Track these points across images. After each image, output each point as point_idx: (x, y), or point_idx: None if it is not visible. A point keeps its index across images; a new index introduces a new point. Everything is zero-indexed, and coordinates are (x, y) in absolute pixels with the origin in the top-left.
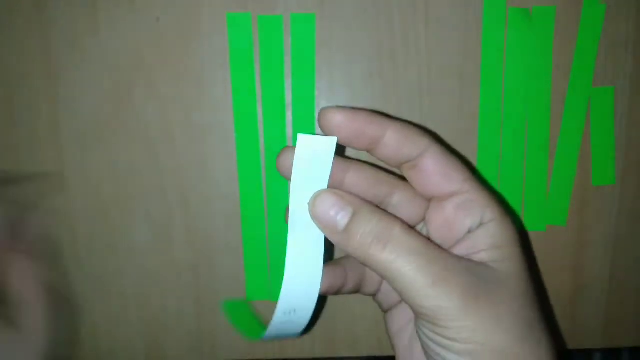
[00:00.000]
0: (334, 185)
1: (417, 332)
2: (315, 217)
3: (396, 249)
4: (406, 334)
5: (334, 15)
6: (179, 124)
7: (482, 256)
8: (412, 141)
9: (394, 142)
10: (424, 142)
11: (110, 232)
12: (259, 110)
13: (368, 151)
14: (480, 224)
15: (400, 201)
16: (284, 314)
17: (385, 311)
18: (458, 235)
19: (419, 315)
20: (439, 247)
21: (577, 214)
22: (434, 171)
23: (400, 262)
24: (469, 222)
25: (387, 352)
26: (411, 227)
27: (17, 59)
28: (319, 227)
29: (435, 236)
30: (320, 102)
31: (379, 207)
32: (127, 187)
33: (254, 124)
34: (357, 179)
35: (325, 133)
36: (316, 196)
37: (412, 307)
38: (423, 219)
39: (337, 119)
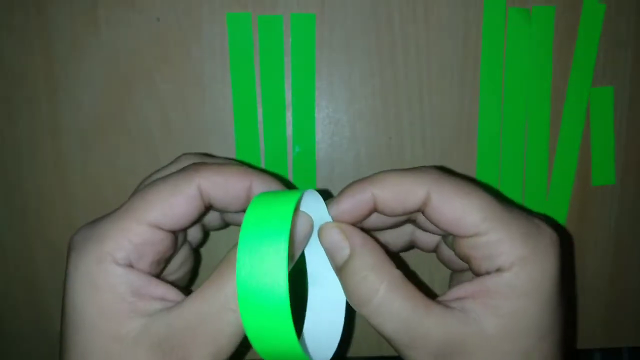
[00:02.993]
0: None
1: None
2: (326, 248)
3: (377, 310)
4: None
5: (334, 15)
6: (178, 123)
7: (487, 305)
8: (408, 196)
9: (390, 204)
10: (422, 191)
11: None
12: (259, 110)
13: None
14: (497, 270)
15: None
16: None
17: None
18: (475, 271)
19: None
20: (426, 304)
21: (577, 214)
22: (443, 220)
23: (380, 320)
24: (484, 266)
25: (387, 352)
26: (404, 279)
27: (17, 59)
28: (328, 256)
29: (453, 261)
30: (320, 102)
31: (381, 245)
32: (127, 187)
33: (254, 124)
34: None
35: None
36: (322, 228)
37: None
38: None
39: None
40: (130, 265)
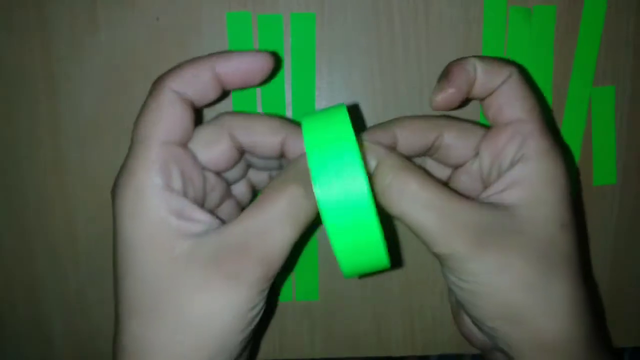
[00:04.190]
0: (388, 142)
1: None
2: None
3: (410, 202)
4: None
5: (334, 15)
6: None
7: (512, 195)
8: (498, 69)
9: (482, 76)
10: (508, 69)
11: (110, 232)
12: (259, 109)
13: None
14: (522, 157)
15: (451, 140)
16: None
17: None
18: (503, 168)
19: (436, 257)
20: (458, 196)
21: (578, 214)
22: (504, 99)
23: (414, 214)
24: (512, 153)
25: (388, 353)
26: (433, 179)
27: (17, 59)
28: None
29: (485, 171)
30: (321, 102)
31: (409, 159)
32: None
33: None
34: (406, 131)
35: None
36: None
37: (430, 251)
38: (476, 154)
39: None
40: (168, 188)
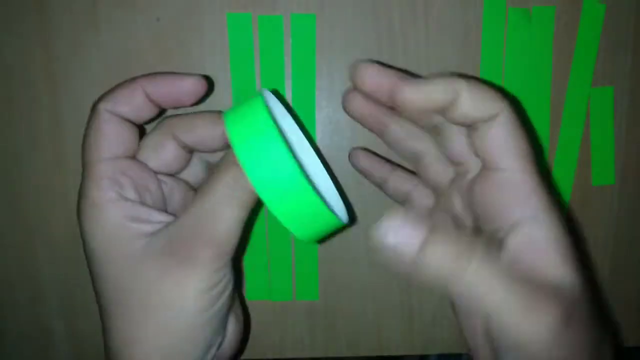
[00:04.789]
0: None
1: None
2: (381, 246)
3: (482, 270)
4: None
5: (334, 15)
6: None
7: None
8: (487, 103)
9: (470, 103)
10: (498, 106)
11: None
12: None
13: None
14: (521, 221)
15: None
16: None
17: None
18: (499, 222)
19: (506, 348)
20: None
21: (576, 213)
22: (497, 142)
23: (486, 285)
24: (508, 213)
25: (387, 353)
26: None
27: (17, 59)
28: (386, 257)
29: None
30: (321, 103)
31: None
32: None
33: None
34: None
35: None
36: (383, 221)
37: (498, 339)
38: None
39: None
40: (121, 198)
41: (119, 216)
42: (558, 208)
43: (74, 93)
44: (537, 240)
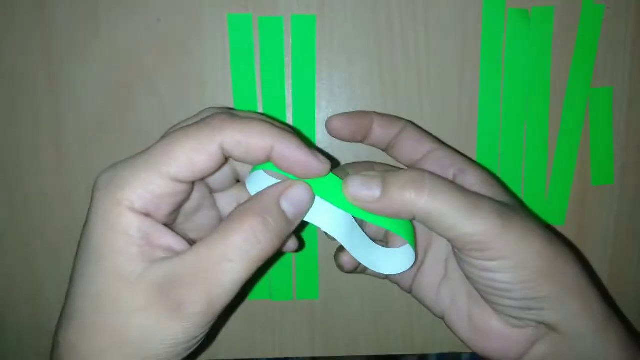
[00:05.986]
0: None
1: (461, 268)
2: (352, 198)
3: (433, 191)
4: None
5: (334, 16)
6: None
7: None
8: (392, 123)
9: (380, 128)
10: (401, 122)
11: None
12: (260, 110)
13: (362, 141)
14: (460, 171)
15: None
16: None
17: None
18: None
19: (462, 247)
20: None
21: (576, 214)
22: (410, 141)
23: (440, 201)
24: (450, 172)
25: (387, 352)
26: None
27: (18, 59)
28: (360, 207)
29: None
30: (321, 103)
31: None
32: None
33: None
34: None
35: (333, 136)
36: (346, 182)
37: (455, 241)
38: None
39: (335, 123)
40: (147, 214)
41: (136, 231)
42: (477, 166)
43: (74, 93)
44: (472, 181)
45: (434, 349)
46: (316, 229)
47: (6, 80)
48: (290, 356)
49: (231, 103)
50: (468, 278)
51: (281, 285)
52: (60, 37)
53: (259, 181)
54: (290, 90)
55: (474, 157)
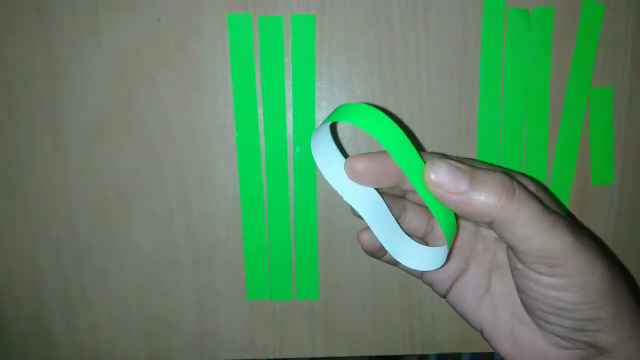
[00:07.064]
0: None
1: (518, 284)
2: (434, 184)
3: (521, 200)
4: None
5: (334, 16)
6: (179, 124)
7: None
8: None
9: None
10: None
11: (110, 232)
12: (260, 110)
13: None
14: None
15: (410, 217)
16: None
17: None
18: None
19: (532, 260)
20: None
21: (576, 213)
22: None
23: (525, 211)
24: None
25: (387, 352)
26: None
27: (18, 59)
28: (437, 194)
29: None
30: (321, 103)
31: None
32: (127, 187)
33: (254, 124)
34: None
35: (354, 180)
36: (432, 165)
37: (526, 253)
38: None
39: (359, 165)
40: None
41: None
42: (525, 175)
43: (75, 93)
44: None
45: (434, 349)
46: (316, 229)
47: (7, 80)
48: (290, 356)
49: (231, 103)
50: (524, 294)
51: (281, 285)
52: (61, 37)
53: (325, 149)
54: (290, 90)
55: (474, 157)
